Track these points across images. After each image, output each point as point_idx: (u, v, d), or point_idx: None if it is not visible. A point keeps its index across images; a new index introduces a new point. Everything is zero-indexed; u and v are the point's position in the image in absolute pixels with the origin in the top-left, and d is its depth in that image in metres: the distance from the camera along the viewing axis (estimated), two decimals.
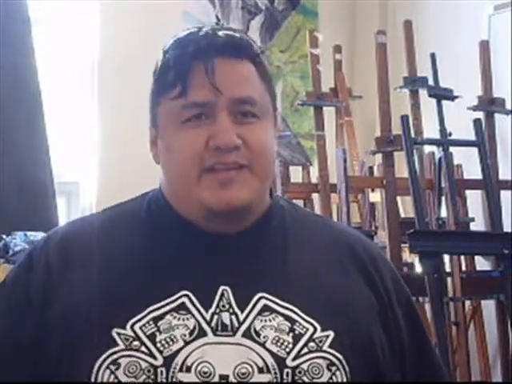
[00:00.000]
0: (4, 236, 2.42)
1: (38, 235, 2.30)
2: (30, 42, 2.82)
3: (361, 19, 4.10)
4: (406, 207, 3.33)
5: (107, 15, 3.47)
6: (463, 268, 2.80)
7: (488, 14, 3.40)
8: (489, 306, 2.87)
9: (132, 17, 3.48)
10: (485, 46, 3.04)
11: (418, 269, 2.64)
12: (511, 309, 2.52)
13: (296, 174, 3.22)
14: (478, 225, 2.95)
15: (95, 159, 3.46)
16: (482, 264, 2.96)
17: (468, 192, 2.99)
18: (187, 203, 1.07)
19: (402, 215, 3.21)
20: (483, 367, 2.83)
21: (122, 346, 0.98)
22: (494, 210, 2.67)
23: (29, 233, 2.43)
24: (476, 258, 2.91)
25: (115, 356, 0.98)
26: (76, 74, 3.50)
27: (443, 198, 2.71)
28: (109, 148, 3.41)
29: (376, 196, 3.08)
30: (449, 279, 2.63)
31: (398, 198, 2.87)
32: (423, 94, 2.89)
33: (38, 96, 2.82)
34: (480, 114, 2.89)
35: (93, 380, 0.97)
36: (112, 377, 0.97)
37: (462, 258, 2.81)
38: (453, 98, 2.79)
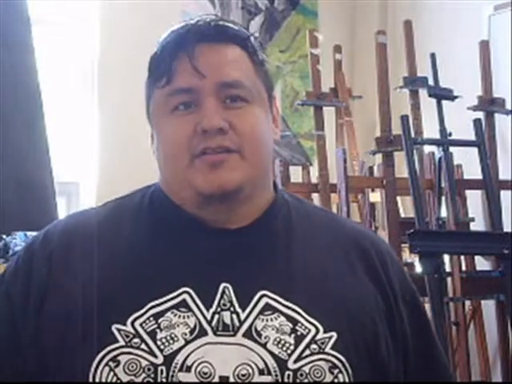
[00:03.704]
0: (4, 236, 2.42)
1: None
2: (30, 42, 2.81)
3: (361, 19, 4.10)
4: (406, 207, 3.33)
5: (107, 15, 3.47)
6: (463, 268, 2.80)
7: (488, 14, 3.40)
8: (489, 306, 2.87)
9: (131, 17, 3.48)
10: (485, 46, 3.04)
11: (418, 269, 2.64)
12: (511, 309, 2.52)
13: (296, 174, 3.21)
14: (478, 225, 2.95)
15: (95, 159, 3.46)
16: (482, 264, 2.96)
17: (468, 192, 2.98)
18: (180, 192, 1.06)
19: (402, 215, 3.21)
20: (483, 367, 2.83)
21: (122, 343, 0.96)
22: (493, 210, 2.67)
23: (29, 233, 2.43)
24: (476, 258, 2.91)
25: (115, 353, 0.96)
26: (76, 74, 3.50)
27: (443, 198, 2.71)
28: (109, 148, 3.41)
29: (376, 196, 3.08)
30: (449, 279, 2.63)
31: (398, 198, 2.87)
32: (423, 93, 2.89)
33: (38, 96, 2.81)
34: (480, 114, 2.89)
35: (91, 376, 0.95)
36: (111, 374, 0.95)
37: (462, 257, 2.81)
38: (453, 98, 2.79)
